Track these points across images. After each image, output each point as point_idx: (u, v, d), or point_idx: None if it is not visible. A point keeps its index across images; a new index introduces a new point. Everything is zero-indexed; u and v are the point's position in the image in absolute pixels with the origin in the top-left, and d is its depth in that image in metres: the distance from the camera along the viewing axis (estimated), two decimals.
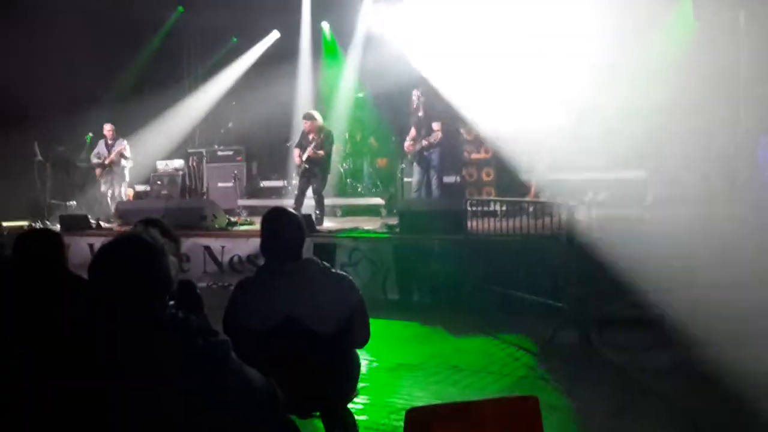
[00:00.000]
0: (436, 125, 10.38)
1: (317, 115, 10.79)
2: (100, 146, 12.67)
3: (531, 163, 10.99)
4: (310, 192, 10.89)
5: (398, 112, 11.90)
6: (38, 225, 11.43)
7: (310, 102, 14.60)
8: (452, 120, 10.59)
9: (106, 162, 12.54)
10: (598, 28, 11.22)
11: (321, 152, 10.58)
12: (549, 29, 11.41)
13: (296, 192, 11.00)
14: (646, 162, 10.96)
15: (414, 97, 10.65)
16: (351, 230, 9.87)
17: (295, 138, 11.40)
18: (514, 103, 11.92)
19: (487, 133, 11.13)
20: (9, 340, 3.00)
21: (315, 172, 10.75)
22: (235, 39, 15.83)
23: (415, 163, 10.72)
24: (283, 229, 3.42)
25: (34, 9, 13.28)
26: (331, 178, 13.29)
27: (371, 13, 13.94)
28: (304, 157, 10.57)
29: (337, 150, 13.82)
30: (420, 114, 10.64)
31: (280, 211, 3.57)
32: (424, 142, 10.38)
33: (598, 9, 11.10)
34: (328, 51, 15.17)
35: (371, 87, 13.85)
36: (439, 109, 10.65)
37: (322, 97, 14.78)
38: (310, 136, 10.66)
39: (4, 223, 10.83)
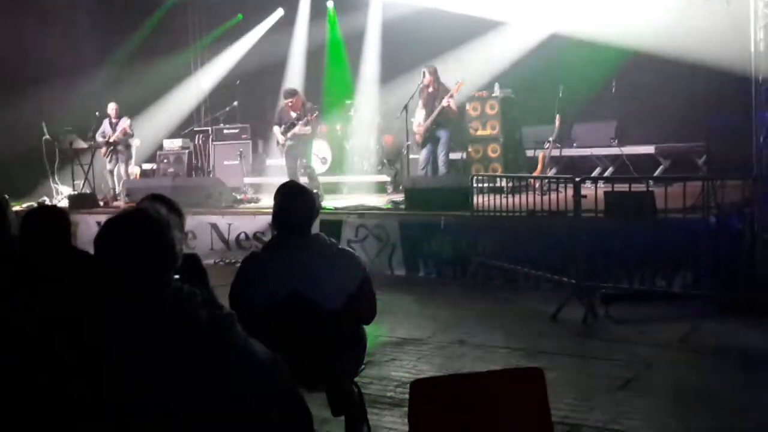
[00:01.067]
0: (448, 98, 10.34)
1: (299, 91, 10.85)
2: (105, 125, 12.68)
3: (539, 139, 10.98)
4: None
5: (405, 89, 11.83)
6: (47, 202, 11.49)
7: (316, 79, 14.58)
8: (456, 96, 10.53)
9: (111, 140, 12.55)
10: None
11: (308, 128, 10.60)
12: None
13: (289, 171, 10.96)
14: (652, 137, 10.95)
15: (424, 74, 10.60)
16: (357, 207, 9.88)
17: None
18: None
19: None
20: (15, 317, 3.03)
21: (302, 149, 10.79)
22: (240, 16, 15.76)
23: (424, 143, 10.69)
24: (295, 204, 3.44)
25: None
26: (337, 155, 13.31)
27: None
28: (290, 135, 10.58)
29: (343, 127, 13.88)
30: (430, 90, 10.59)
31: (294, 186, 3.63)
32: (444, 102, 10.29)
33: None
34: (332, 29, 15.09)
35: (379, 64, 13.81)
36: (447, 86, 10.59)
37: (327, 74, 14.76)
38: (293, 113, 10.65)
39: (13, 205, 10.87)
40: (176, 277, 2.40)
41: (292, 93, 10.83)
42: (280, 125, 10.82)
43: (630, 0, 11.07)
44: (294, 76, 14.68)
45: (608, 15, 11.08)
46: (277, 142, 10.97)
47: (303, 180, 10.66)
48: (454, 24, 12.57)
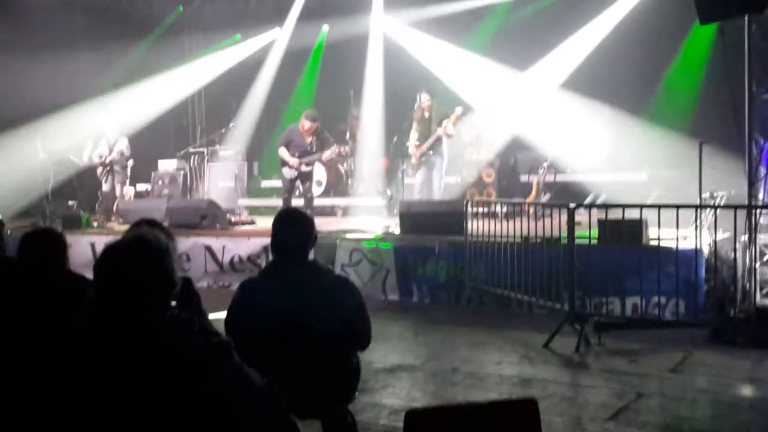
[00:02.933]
0: (445, 122, 10.38)
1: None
2: (102, 145, 12.68)
3: (533, 165, 11.06)
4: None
5: (400, 113, 11.92)
6: (40, 223, 11.45)
7: (310, 101, 14.67)
8: (455, 122, 10.60)
9: (107, 161, 12.56)
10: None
11: (329, 155, 10.62)
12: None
13: (284, 195, 10.87)
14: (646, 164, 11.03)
15: (420, 99, 10.66)
16: (351, 230, 9.90)
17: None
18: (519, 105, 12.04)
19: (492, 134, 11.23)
20: (12, 341, 3.03)
21: (311, 175, 10.76)
22: (239, 36, 15.88)
23: (419, 166, 10.73)
24: (293, 231, 3.46)
25: (38, 8, 13.34)
26: (333, 178, 13.35)
27: (379, 17, 14.03)
28: (307, 160, 10.47)
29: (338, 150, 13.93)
30: (426, 115, 10.64)
31: (293, 213, 3.67)
32: (441, 131, 10.33)
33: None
34: (319, 52, 15.30)
35: (374, 87, 13.91)
36: (444, 112, 10.66)
37: (322, 97, 14.85)
38: (308, 138, 10.52)
39: (7, 223, 10.84)
40: (173, 303, 2.42)
41: (314, 117, 10.64)
42: (287, 147, 10.57)
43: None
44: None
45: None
46: (283, 162, 10.66)
47: (298, 202, 10.68)
48: (449, 49, 12.74)
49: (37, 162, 12.50)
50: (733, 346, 6.17)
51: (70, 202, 12.57)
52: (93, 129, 12.76)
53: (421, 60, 13.33)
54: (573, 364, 6.02)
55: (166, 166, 14.35)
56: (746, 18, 6.92)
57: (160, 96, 14.92)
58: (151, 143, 14.16)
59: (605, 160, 11.34)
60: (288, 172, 10.55)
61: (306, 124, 10.47)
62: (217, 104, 15.77)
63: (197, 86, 15.84)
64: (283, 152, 10.53)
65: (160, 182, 14.10)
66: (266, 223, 11.12)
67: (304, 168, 10.47)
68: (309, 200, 10.82)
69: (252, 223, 11.75)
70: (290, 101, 15.03)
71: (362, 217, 11.94)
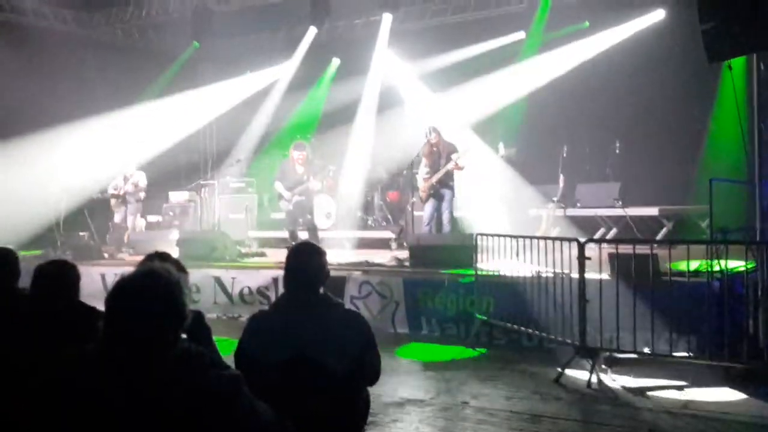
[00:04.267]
0: (455, 156, 10.46)
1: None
2: (118, 178, 12.80)
3: (543, 199, 11.06)
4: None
5: (409, 147, 11.98)
6: (52, 254, 11.51)
7: (320, 134, 14.81)
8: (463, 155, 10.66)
9: (122, 192, 12.65)
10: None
11: (318, 184, 10.70)
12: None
13: (289, 228, 10.93)
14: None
15: (430, 133, 10.73)
16: (361, 263, 9.89)
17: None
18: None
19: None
20: (23, 372, 3.03)
21: (308, 205, 10.81)
22: (248, 73, 16.07)
23: (427, 199, 10.77)
24: (306, 264, 3.48)
25: (54, 43, 13.56)
26: (342, 211, 13.40)
27: (383, 53, 14.23)
28: (299, 190, 10.60)
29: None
30: (434, 149, 10.71)
31: (307, 246, 3.70)
32: (451, 166, 10.39)
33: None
34: (331, 84, 15.49)
35: (381, 119, 14.03)
36: (451, 144, 10.74)
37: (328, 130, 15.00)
38: (300, 168, 10.68)
39: (18, 253, 10.90)
40: (184, 336, 2.42)
41: (302, 147, 10.88)
42: (282, 181, 10.81)
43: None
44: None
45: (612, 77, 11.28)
46: (279, 196, 10.87)
47: (304, 235, 10.71)
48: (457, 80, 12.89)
49: (48, 193, 12.60)
50: (745, 383, 6.09)
51: (81, 233, 12.62)
52: (106, 160, 12.88)
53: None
54: (584, 399, 5.96)
55: (177, 197, 14.43)
56: (755, 57, 6.96)
57: (172, 129, 15.09)
58: (162, 175, 14.28)
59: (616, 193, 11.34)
60: (285, 205, 10.76)
61: (294, 155, 10.71)
62: (228, 137, 15.91)
63: (208, 119, 16.00)
64: (278, 186, 10.78)
65: (171, 213, 14.17)
66: (276, 255, 11.18)
67: (297, 198, 10.59)
68: (312, 231, 10.87)
69: (262, 254, 11.76)
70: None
71: (372, 249, 11.96)
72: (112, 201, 12.77)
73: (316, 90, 15.72)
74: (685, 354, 6.58)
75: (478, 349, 7.70)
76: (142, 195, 13.05)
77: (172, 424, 2.12)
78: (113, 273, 9.09)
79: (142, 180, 12.73)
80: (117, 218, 12.82)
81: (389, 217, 13.38)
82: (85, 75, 14.11)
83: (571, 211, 11.45)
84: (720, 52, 6.88)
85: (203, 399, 2.16)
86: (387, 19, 14.08)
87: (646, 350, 6.69)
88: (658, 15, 12.33)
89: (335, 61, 15.50)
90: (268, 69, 15.87)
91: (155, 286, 2.26)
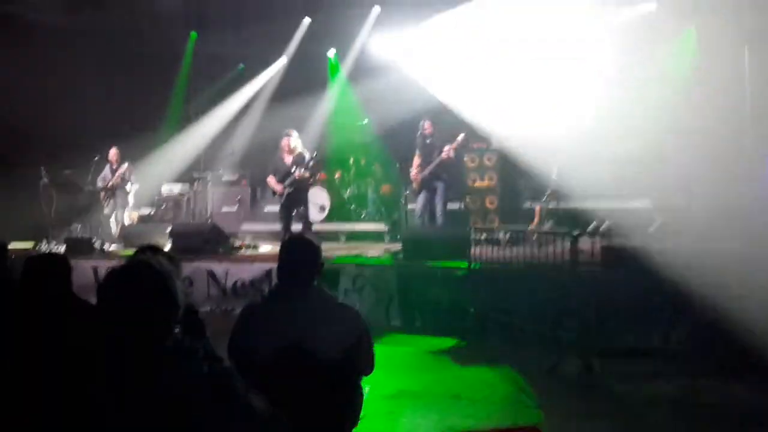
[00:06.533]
0: (447, 147, 10.43)
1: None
2: (106, 170, 12.74)
3: (537, 192, 11.06)
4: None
5: (402, 139, 11.96)
6: (44, 247, 11.46)
7: (317, 127, 14.75)
8: (458, 148, 10.64)
9: (109, 185, 12.60)
10: (601, 57, 11.37)
11: (306, 173, 10.53)
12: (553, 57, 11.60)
13: (283, 221, 10.85)
14: (650, 191, 11.02)
15: (424, 124, 10.71)
16: (354, 256, 9.88)
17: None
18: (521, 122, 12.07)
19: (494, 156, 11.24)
20: (14, 364, 3.02)
21: (301, 197, 10.73)
22: (242, 67, 15.98)
23: (420, 190, 10.75)
24: (300, 257, 3.46)
25: (43, 35, 13.46)
26: (336, 203, 13.38)
27: (374, 40, 14.15)
28: (288, 182, 10.51)
29: (342, 175, 14.01)
30: (428, 141, 10.68)
31: (300, 239, 3.66)
32: (444, 155, 10.36)
33: (600, 36, 11.28)
34: (333, 78, 15.36)
35: (375, 113, 13.96)
36: (445, 139, 10.72)
37: (328, 123, 14.94)
38: (288, 158, 10.60)
39: (10, 246, 10.84)
40: (176, 330, 2.40)
41: (287, 134, 10.77)
42: (275, 174, 10.72)
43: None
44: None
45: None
46: (273, 192, 10.81)
47: (297, 227, 10.66)
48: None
49: (39, 187, 12.53)
50: (740, 375, 6.11)
51: (73, 226, 12.56)
52: (97, 153, 12.81)
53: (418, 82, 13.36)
54: (577, 391, 5.96)
55: (170, 190, 14.37)
56: (746, 51, 6.96)
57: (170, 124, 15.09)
58: (155, 167, 14.24)
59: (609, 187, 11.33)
60: (278, 199, 10.69)
61: (281, 144, 10.64)
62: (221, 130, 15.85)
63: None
64: (270, 180, 10.69)
65: (163, 206, 14.11)
66: (269, 248, 11.15)
67: (287, 190, 10.53)
68: (306, 224, 10.82)
69: (255, 247, 11.72)
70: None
71: (365, 242, 11.94)
72: (101, 194, 12.71)
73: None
74: (678, 346, 6.61)
75: (471, 341, 7.70)
76: (132, 187, 12.99)
77: (164, 417, 2.11)
78: (105, 266, 9.04)
79: (129, 172, 12.67)
80: (106, 211, 12.77)
81: (382, 209, 13.37)
82: (79, 68, 14.00)
83: (565, 204, 11.44)
84: (713, 46, 6.89)
85: (196, 392, 2.14)
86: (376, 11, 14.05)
87: (640, 343, 6.72)
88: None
89: (330, 52, 15.44)
90: (266, 70, 15.83)
91: (147, 277, 2.24)
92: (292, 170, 10.54)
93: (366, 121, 14.21)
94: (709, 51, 8.94)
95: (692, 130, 9.72)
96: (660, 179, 10.96)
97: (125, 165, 12.64)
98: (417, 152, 10.83)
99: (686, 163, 10.56)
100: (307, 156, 10.58)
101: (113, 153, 12.70)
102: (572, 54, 11.72)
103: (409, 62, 13.61)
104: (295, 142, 10.68)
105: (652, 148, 10.89)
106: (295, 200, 10.68)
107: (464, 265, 8.24)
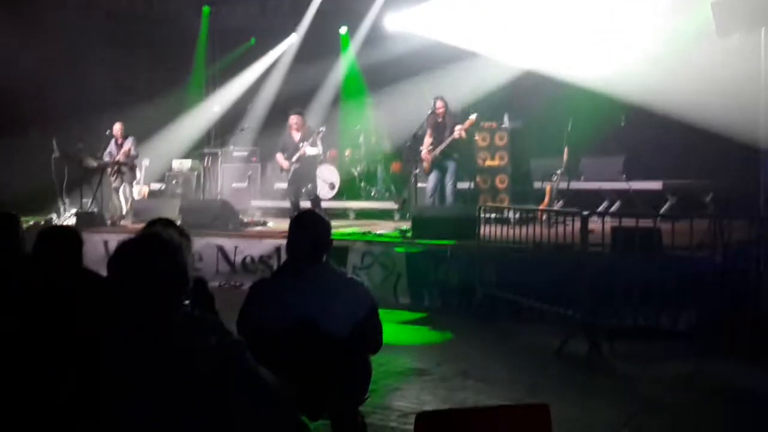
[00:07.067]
0: (458, 127, 10.39)
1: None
2: (111, 145, 12.74)
3: (547, 172, 11.01)
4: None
5: (413, 117, 11.91)
6: (55, 221, 11.52)
7: (327, 104, 14.72)
8: (469, 128, 10.59)
9: (114, 160, 12.61)
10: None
11: (316, 149, 10.60)
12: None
13: (291, 198, 10.89)
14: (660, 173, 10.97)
15: (436, 103, 10.66)
16: (364, 234, 9.89)
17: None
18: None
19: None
20: (28, 337, 3.04)
21: (309, 174, 10.75)
22: (253, 40, 15.93)
23: (431, 170, 10.73)
24: (309, 233, 3.45)
25: (55, 10, 13.44)
26: (345, 181, 13.37)
27: (387, 16, 14.05)
28: (296, 158, 10.54)
29: (352, 153, 13.99)
30: (439, 120, 10.64)
31: (310, 215, 3.65)
32: (456, 134, 10.33)
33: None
34: (344, 55, 15.29)
35: (387, 91, 13.90)
36: (456, 115, 10.68)
37: (338, 100, 14.91)
38: (297, 135, 10.62)
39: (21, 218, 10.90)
40: (186, 302, 2.42)
41: (297, 112, 10.83)
42: (283, 152, 10.77)
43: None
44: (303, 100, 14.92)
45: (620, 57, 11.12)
46: (281, 169, 10.86)
47: (306, 205, 10.68)
48: (463, 54, 12.73)
49: (51, 161, 12.56)
50: (746, 358, 6.10)
51: (84, 200, 12.61)
52: (108, 127, 12.81)
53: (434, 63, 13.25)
54: (584, 371, 5.98)
55: (180, 165, 14.40)
56: (762, 32, 6.87)
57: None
58: (166, 143, 14.25)
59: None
60: (286, 176, 10.75)
61: (290, 121, 10.70)
62: (234, 106, 15.84)
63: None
64: (278, 157, 10.75)
65: (173, 182, 14.15)
66: (279, 224, 11.18)
67: (294, 167, 10.56)
68: (314, 201, 10.85)
69: (264, 224, 11.76)
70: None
71: (375, 220, 11.95)
72: (108, 169, 12.72)
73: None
74: (687, 328, 6.59)
75: (479, 320, 7.72)
76: (143, 162, 13.01)
77: (173, 388, 2.13)
78: (116, 240, 9.08)
79: (134, 147, 12.64)
80: (115, 185, 12.79)
81: (392, 188, 13.35)
82: (91, 43, 14.01)
83: (575, 184, 11.40)
84: (729, 26, 6.82)
85: (205, 363, 2.16)
86: None
87: (648, 324, 6.71)
88: None
89: (342, 29, 15.35)
90: (277, 47, 15.77)
91: (156, 247, 2.25)
92: (300, 146, 10.57)
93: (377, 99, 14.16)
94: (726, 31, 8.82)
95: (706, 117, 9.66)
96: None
97: (130, 140, 12.62)
98: (428, 131, 10.79)
99: (698, 147, 10.51)
100: (315, 133, 10.60)
101: (117, 128, 12.67)
102: (585, 32, 11.64)
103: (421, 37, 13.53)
104: (303, 119, 10.71)
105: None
106: (302, 177, 10.71)
107: (474, 244, 8.23)
